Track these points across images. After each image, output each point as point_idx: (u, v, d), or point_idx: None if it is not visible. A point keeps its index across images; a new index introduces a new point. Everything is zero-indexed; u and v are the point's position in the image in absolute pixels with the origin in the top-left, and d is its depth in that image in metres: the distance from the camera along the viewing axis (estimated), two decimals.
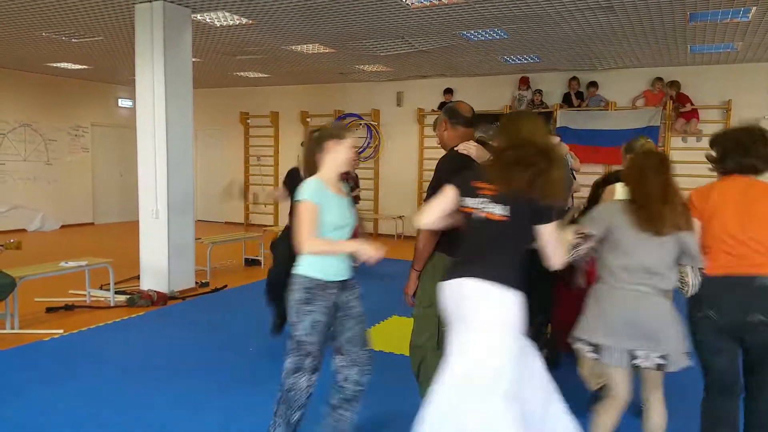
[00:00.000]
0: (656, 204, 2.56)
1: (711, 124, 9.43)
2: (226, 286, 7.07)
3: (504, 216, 2.45)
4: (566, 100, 10.23)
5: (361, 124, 11.95)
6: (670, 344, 2.56)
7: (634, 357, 2.58)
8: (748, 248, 2.58)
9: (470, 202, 2.55)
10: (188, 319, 5.73)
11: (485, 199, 2.50)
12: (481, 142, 3.28)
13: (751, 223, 2.60)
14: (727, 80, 9.40)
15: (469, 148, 3.04)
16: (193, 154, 6.99)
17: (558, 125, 9.90)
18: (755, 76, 9.24)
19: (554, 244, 2.51)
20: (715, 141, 2.82)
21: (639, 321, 2.55)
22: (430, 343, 3.04)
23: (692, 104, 9.43)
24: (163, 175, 6.53)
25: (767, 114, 9.16)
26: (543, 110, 10.07)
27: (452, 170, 2.97)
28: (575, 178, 5.84)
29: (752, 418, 2.70)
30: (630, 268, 2.59)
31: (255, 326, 5.38)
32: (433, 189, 2.96)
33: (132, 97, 12.75)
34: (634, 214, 2.59)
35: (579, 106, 10.12)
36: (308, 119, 12.61)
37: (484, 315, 2.43)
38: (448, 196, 2.63)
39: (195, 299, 6.46)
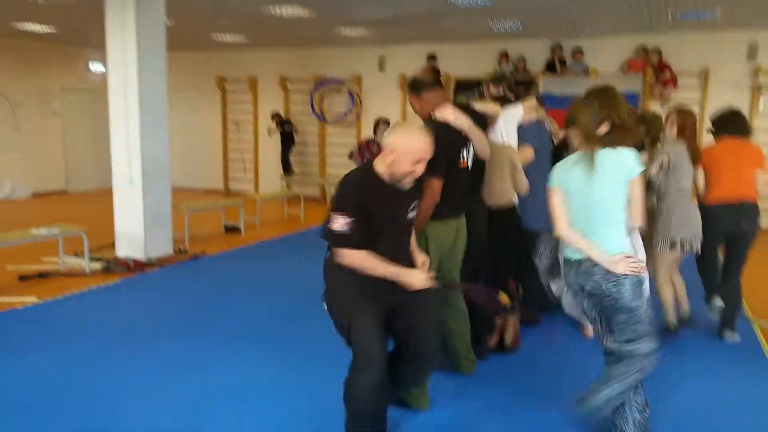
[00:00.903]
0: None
1: (689, 92, 9.45)
2: (204, 252, 6.98)
3: None
4: (550, 68, 10.16)
5: (342, 90, 11.78)
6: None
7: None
8: (738, 183, 4.18)
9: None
10: (166, 285, 5.66)
11: None
12: (462, 106, 3.25)
13: (741, 167, 4.20)
14: (706, 48, 9.39)
15: (445, 114, 3.03)
16: (168, 120, 6.82)
17: (542, 90, 9.85)
18: (733, 44, 9.24)
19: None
20: (714, 118, 4.50)
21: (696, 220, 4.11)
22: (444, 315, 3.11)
23: (672, 72, 9.42)
24: (136, 140, 6.36)
25: (743, 82, 9.21)
26: (526, 78, 10.01)
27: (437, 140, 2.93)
28: (554, 142, 5.83)
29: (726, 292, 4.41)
30: (687, 188, 4.13)
31: (234, 291, 5.33)
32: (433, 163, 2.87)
33: (104, 60, 12.39)
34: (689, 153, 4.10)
35: (562, 72, 10.07)
36: (288, 84, 12.39)
37: None
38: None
39: (173, 266, 6.37)
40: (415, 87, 3.19)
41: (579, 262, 2.66)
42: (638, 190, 2.60)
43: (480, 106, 3.62)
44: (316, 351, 3.91)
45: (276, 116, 11.98)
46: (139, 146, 6.36)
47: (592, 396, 2.65)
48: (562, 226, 2.71)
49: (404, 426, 2.97)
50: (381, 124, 6.92)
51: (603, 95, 2.68)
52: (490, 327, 3.82)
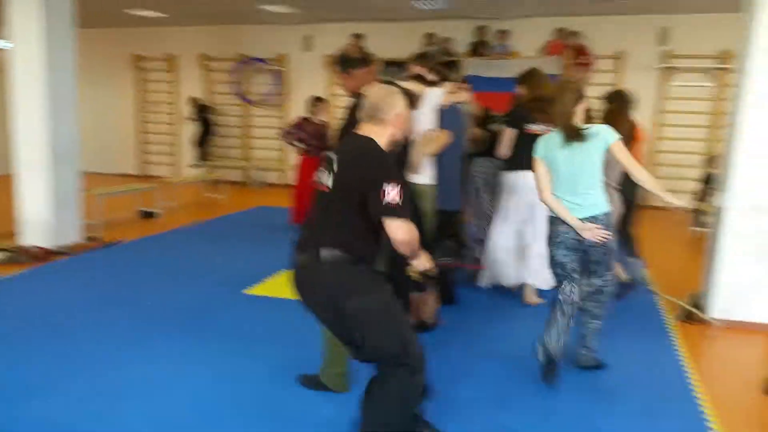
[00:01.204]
0: None
1: (605, 74, 9.79)
2: (119, 239, 6.70)
3: None
4: (475, 50, 10.28)
5: (266, 70, 11.51)
6: None
7: None
8: None
9: None
10: (78, 275, 5.39)
11: None
12: (389, 84, 3.21)
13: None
14: (621, 32, 9.74)
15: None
16: (79, 101, 6.47)
17: (466, 73, 9.95)
18: (645, 28, 9.63)
19: None
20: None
21: None
22: None
23: (589, 54, 9.72)
24: (43, 122, 6.00)
25: (656, 65, 9.62)
26: (452, 59, 10.07)
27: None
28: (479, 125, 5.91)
29: None
30: None
31: (151, 279, 5.15)
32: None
33: (8, 36, 11.61)
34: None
35: (486, 55, 10.20)
36: (208, 63, 12.00)
37: None
38: None
39: (85, 254, 6.08)
40: (343, 63, 3.14)
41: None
42: (623, 155, 3.14)
43: (406, 85, 3.59)
44: (235, 340, 3.84)
45: (192, 101, 11.57)
46: (46, 128, 6.01)
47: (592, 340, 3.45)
48: (546, 194, 3.26)
49: (327, 407, 2.96)
50: (318, 101, 6.80)
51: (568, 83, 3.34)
52: (407, 307, 3.84)
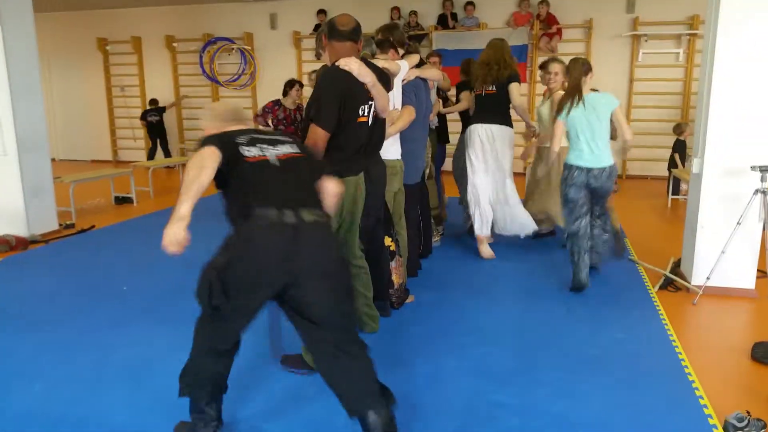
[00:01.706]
0: None
1: (574, 43, 9.84)
2: (93, 226, 6.61)
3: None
4: (442, 22, 10.23)
5: (233, 49, 11.35)
6: None
7: None
8: None
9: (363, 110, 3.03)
10: (53, 262, 5.32)
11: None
12: (366, 60, 3.18)
13: None
14: (589, 1, 9.76)
15: (349, 64, 2.95)
16: (45, 87, 6.32)
17: (434, 47, 9.91)
18: None
19: None
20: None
21: None
22: None
23: (557, 23, 9.75)
24: (8, 109, 5.87)
25: (626, 32, 9.68)
26: (418, 32, 10.02)
27: (333, 85, 2.89)
28: (447, 99, 5.93)
29: None
30: None
31: (126, 265, 5.10)
32: (317, 104, 2.89)
33: None
34: None
35: (454, 27, 10.16)
36: (175, 44, 11.78)
37: None
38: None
39: (60, 242, 6.00)
40: (332, 31, 3.03)
41: (589, 169, 4.13)
42: (622, 117, 4.21)
43: (383, 63, 3.57)
44: None
45: (152, 104, 11.30)
46: (11, 115, 5.88)
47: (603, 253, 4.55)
48: (556, 146, 4.28)
49: (306, 388, 2.98)
50: (290, 86, 6.45)
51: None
52: (389, 282, 3.87)
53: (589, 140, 4.11)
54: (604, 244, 4.54)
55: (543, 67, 5.20)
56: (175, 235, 2.10)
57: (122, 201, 8.07)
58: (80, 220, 6.87)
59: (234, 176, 2.25)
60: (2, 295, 4.43)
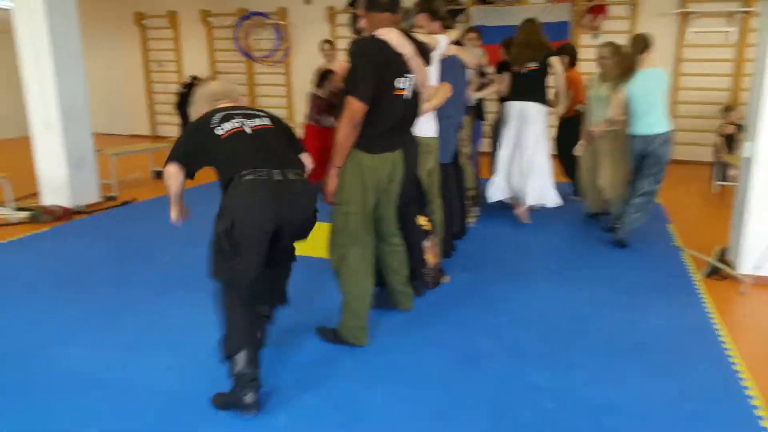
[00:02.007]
0: None
1: (618, 21, 9.55)
2: (134, 199, 6.73)
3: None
4: None
5: (267, 25, 11.31)
6: None
7: None
8: None
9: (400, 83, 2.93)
10: (97, 233, 5.45)
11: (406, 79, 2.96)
12: (406, 32, 3.12)
13: None
14: None
15: (388, 34, 2.89)
16: (87, 62, 6.41)
17: (472, 23, 9.73)
18: None
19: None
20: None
21: None
22: (348, 240, 3.01)
23: (601, 0, 9.48)
24: (51, 82, 5.98)
25: (672, 10, 9.36)
26: (456, 7, 9.85)
27: (369, 55, 2.83)
28: (485, 75, 5.79)
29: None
30: None
31: (167, 237, 5.18)
32: (353, 76, 2.82)
33: None
34: None
35: (492, 2, 9.95)
36: (210, 19, 11.79)
37: None
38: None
39: (102, 213, 6.13)
40: (369, 2, 2.96)
41: (645, 136, 4.63)
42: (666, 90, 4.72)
43: (422, 38, 3.50)
44: None
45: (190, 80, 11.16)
46: (55, 88, 5.99)
47: (626, 227, 4.81)
48: (616, 115, 4.84)
49: (344, 360, 3.00)
50: (329, 75, 6.12)
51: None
52: (423, 262, 3.84)
53: (645, 110, 4.63)
54: (630, 223, 4.80)
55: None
56: (175, 216, 3.08)
57: (160, 175, 8.17)
58: (121, 192, 7.00)
59: (215, 155, 2.67)
60: (50, 263, 4.55)
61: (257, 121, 2.74)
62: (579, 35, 9.72)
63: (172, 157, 2.72)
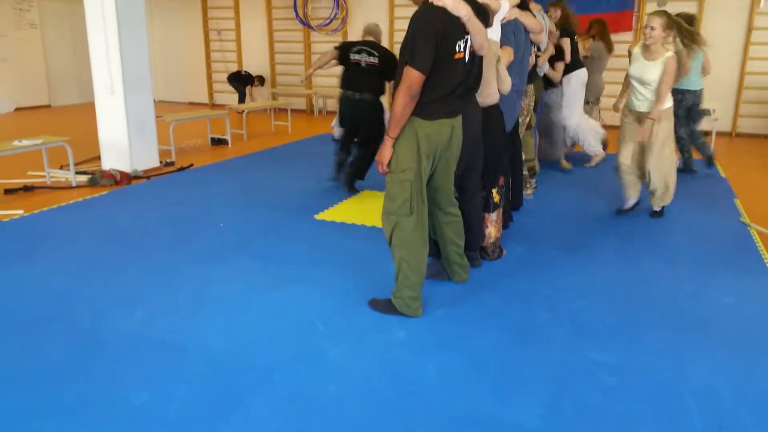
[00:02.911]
0: None
1: None
2: (192, 165, 6.85)
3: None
4: None
5: None
6: None
7: None
8: None
9: (459, 46, 2.88)
10: (155, 197, 5.56)
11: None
12: None
13: None
14: None
15: (444, 0, 2.80)
16: (148, 29, 6.51)
17: None
18: None
19: None
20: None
21: None
22: (403, 209, 2.95)
23: None
24: (115, 47, 6.10)
25: None
26: None
27: (428, 23, 2.75)
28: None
29: None
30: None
31: (224, 203, 5.25)
32: (411, 45, 2.75)
33: None
34: None
35: None
36: None
37: None
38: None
39: (160, 178, 6.26)
40: None
41: (696, 91, 5.84)
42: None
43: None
44: (306, 264, 3.90)
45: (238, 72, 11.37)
46: (119, 54, 6.11)
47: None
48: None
49: (399, 331, 2.97)
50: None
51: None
52: (482, 233, 3.77)
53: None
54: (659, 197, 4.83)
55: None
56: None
57: (218, 142, 8.30)
58: (179, 158, 7.13)
59: (344, 68, 5.39)
60: (108, 226, 4.67)
61: (371, 59, 5.26)
62: (644, 3, 9.30)
63: (336, 47, 5.52)
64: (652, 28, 4.33)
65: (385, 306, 3.16)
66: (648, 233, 4.51)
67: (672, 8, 8.99)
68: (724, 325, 3.06)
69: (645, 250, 4.15)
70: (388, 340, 2.89)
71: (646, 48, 4.47)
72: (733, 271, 3.77)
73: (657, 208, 4.85)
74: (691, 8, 9.11)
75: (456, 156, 3.13)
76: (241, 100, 11.35)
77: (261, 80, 11.51)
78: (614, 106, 5.27)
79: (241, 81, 11.24)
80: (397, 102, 2.80)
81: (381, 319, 3.09)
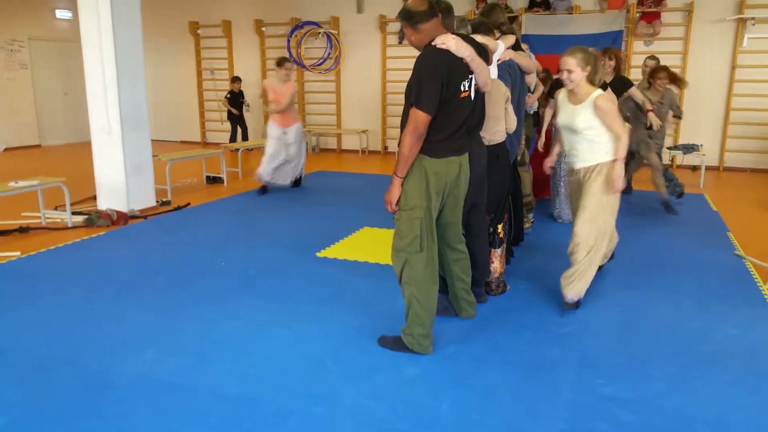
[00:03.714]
0: None
1: (673, 27, 9.36)
2: (189, 204, 6.85)
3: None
4: (533, 5, 9.94)
5: (320, 33, 11.44)
6: None
7: None
8: None
9: (464, 86, 2.94)
10: (152, 237, 5.54)
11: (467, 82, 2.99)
12: (463, 36, 3.11)
13: None
14: None
15: (446, 41, 2.88)
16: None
17: (524, 32, 9.64)
18: None
19: None
20: None
21: None
22: (412, 246, 2.97)
23: (656, 5, 9.29)
24: (113, 87, 6.14)
25: (728, 16, 9.11)
26: (508, 14, 9.77)
27: (433, 66, 2.82)
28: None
29: None
30: None
31: (223, 242, 5.24)
32: (417, 87, 2.82)
33: (70, 7, 11.85)
34: None
35: (545, 9, 9.86)
36: (263, 29, 11.99)
37: None
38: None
39: (157, 218, 6.25)
40: (410, 18, 2.94)
41: None
42: None
43: (480, 39, 3.48)
44: (311, 301, 3.89)
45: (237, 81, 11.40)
46: (117, 94, 6.16)
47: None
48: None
49: (410, 369, 2.96)
50: None
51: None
52: (488, 270, 3.80)
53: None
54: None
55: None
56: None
57: (213, 180, 8.32)
58: (175, 197, 7.13)
59: None
60: (108, 267, 4.63)
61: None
62: (632, 43, 9.55)
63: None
64: (569, 72, 3.54)
65: (394, 343, 3.15)
66: (648, 266, 4.55)
67: (658, 47, 9.31)
68: (731, 356, 3.09)
69: (645, 283, 4.19)
70: (401, 378, 2.87)
71: (570, 92, 3.68)
72: (734, 303, 3.82)
73: (569, 299, 3.67)
74: (676, 47, 9.38)
75: (464, 193, 3.18)
76: (233, 138, 11.43)
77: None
78: (544, 166, 4.21)
79: (237, 105, 11.28)
80: (404, 142, 2.85)
81: (391, 356, 3.08)
